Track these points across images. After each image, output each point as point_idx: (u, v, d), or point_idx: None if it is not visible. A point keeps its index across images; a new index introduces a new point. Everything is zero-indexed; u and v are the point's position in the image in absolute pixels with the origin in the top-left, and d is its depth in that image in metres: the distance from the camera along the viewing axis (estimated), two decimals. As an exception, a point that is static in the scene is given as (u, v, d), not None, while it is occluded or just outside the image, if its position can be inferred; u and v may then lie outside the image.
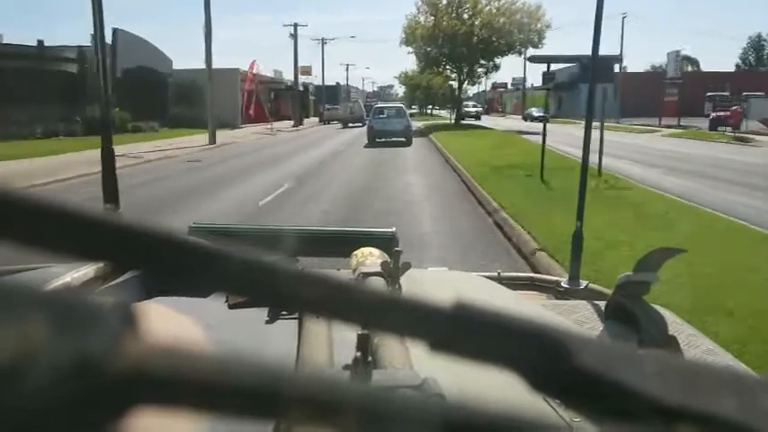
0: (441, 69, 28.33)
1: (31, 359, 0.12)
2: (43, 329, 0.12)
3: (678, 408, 0.17)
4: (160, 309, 0.50)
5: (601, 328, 0.67)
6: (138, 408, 0.13)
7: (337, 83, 62.41)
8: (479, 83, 31.41)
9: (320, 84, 45.00)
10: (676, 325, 0.76)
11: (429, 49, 26.00)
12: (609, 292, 0.80)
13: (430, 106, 53.80)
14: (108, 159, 1.81)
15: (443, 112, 50.29)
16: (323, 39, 43.38)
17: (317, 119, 34.43)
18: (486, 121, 34.08)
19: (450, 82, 46.41)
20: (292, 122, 28.62)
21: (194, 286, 0.15)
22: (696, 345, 0.74)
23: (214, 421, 0.14)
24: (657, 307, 0.61)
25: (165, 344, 0.14)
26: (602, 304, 0.74)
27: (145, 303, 0.54)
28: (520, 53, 25.98)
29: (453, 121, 27.22)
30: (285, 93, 34.28)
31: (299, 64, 45.46)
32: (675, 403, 0.17)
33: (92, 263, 0.77)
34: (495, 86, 76.85)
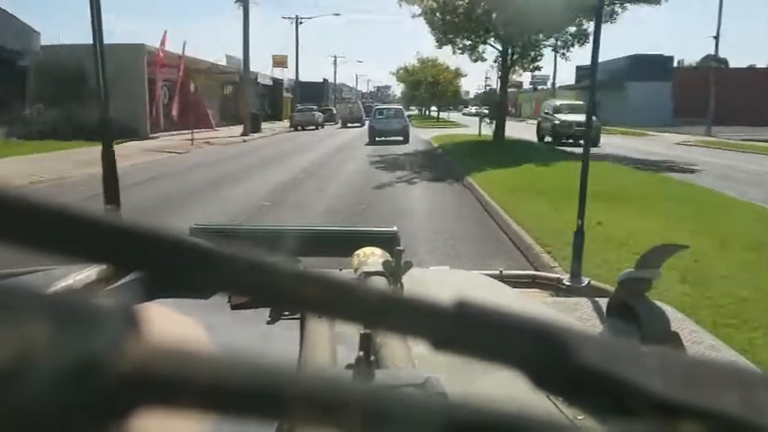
0: (475, 40, 18.01)
1: (33, 362, 0.15)
2: (45, 332, 0.15)
3: (681, 404, 0.21)
4: (162, 310, 0.60)
5: (603, 326, 0.82)
6: (142, 410, 0.16)
7: (324, 79, 63.76)
8: (537, 68, 19.86)
9: (305, 79, 45.81)
10: (678, 321, 0.93)
11: (454, 3, 16.78)
12: (611, 289, 0.99)
13: (434, 108, 52.90)
14: (109, 160, 2.26)
15: (458, 117, 49.59)
16: (297, 17, 42.22)
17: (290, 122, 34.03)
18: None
19: (458, 76, 46.37)
20: (260, 129, 25.91)
21: (196, 287, 0.19)
22: (699, 341, 0.90)
23: (217, 422, 0.18)
24: (660, 303, 0.76)
25: (168, 345, 0.17)
26: (604, 301, 0.91)
27: (147, 305, 0.65)
28: (612, 14, 15.39)
29: (492, 136, 18.19)
30: (238, 86, 30.68)
31: (272, 53, 45.33)
32: (678, 400, 0.21)
33: (94, 265, 0.94)
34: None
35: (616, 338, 0.63)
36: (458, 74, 47.02)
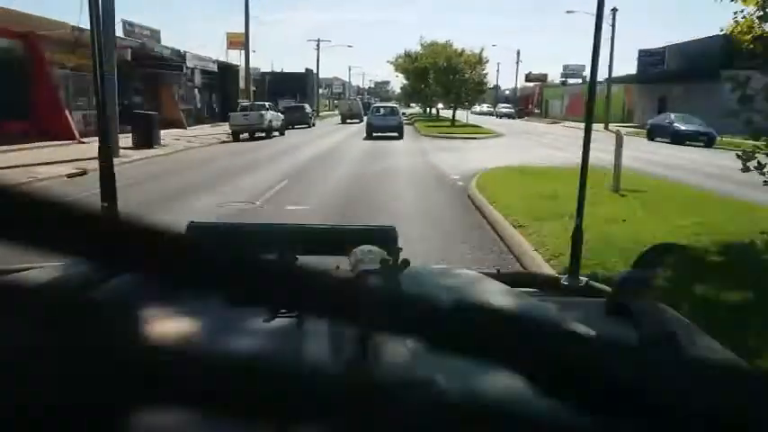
0: None
1: (33, 359, 0.20)
2: (44, 329, 0.21)
3: (677, 403, 0.28)
4: (160, 308, 0.77)
5: (601, 325, 1.06)
6: (139, 407, 0.22)
7: (307, 69, 66.37)
8: None
9: (281, 69, 47.76)
10: (675, 322, 1.22)
11: None
12: (609, 289, 1.41)
13: (441, 105, 51.09)
14: (105, 158, 2.87)
15: (464, 115, 47.31)
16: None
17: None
18: (536, 131, 27.92)
19: (481, 62, 42.18)
20: (157, 142, 20.47)
21: (194, 285, 0.26)
22: (695, 341, 1.17)
23: (215, 420, 0.24)
24: (657, 304, 1.02)
25: (165, 342, 0.23)
26: (603, 301, 1.24)
27: (145, 303, 0.83)
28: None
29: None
30: (159, 73, 28.92)
31: (226, 31, 43.76)
32: (674, 398, 0.28)
33: (92, 262, 0.83)
34: (529, 78, 78.22)
35: (613, 338, 0.85)
36: (480, 59, 44.01)
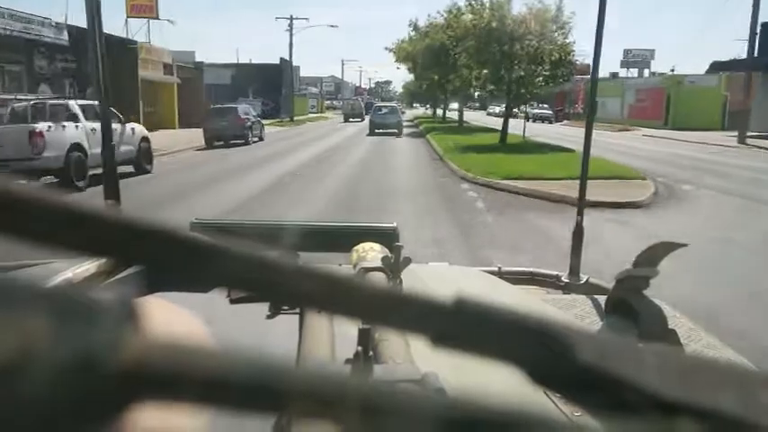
0: None
1: (32, 355, 0.25)
2: (45, 325, 0.26)
3: (678, 402, 0.35)
4: (161, 304, 0.92)
5: (601, 323, 1.44)
6: (140, 403, 0.27)
7: (281, 59, 70.85)
8: None
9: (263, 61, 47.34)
10: (676, 319, 1.67)
11: None
12: (609, 286, 1.76)
13: (453, 102, 49.77)
14: (109, 155, 3.59)
15: (474, 116, 44.61)
16: None
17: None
18: (685, 159, 21.73)
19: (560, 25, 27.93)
20: None
21: (196, 282, 0.32)
22: (696, 339, 1.63)
23: (216, 416, 0.29)
24: (657, 301, 1.30)
25: (167, 339, 0.28)
26: (603, 299, 1.64)
27: (146, 299, 0.97)
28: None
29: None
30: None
31: None
32: (675, 397, 0.35)
33: (93, 258, 1.63)
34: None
35: (614, 336, 1.13)
36: (559, 15, 29.24)
